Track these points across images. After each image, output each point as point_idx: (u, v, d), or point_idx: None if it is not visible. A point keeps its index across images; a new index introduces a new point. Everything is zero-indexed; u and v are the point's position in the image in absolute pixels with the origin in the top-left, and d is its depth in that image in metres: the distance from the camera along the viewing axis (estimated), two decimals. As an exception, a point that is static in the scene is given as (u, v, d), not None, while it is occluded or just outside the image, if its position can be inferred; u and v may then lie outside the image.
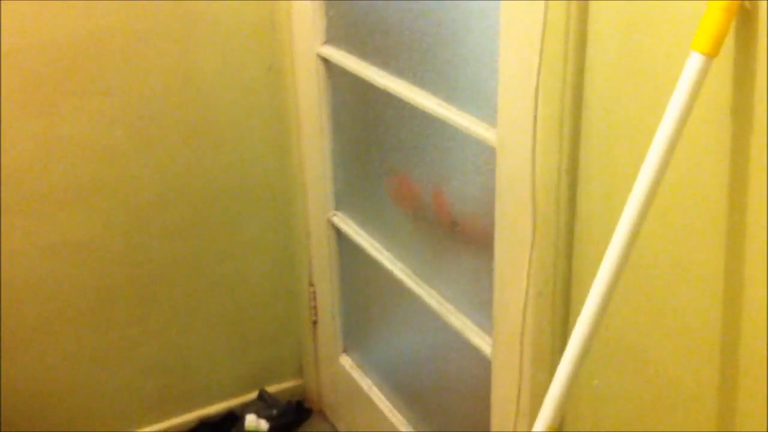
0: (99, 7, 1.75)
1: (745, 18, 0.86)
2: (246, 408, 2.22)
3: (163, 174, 1.94)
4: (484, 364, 1.50)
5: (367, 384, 2.04)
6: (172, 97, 1.89)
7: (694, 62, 0.86)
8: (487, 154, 1.36)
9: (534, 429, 0.98)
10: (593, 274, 1.17)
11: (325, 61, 1.83)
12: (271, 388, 2.27)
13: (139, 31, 1.80)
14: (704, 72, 0.86)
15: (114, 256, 1.95)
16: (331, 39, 1.81)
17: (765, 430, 0.95)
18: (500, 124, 1.27)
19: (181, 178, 1.96)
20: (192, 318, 2.11)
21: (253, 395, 2.26)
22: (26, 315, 1.91)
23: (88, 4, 1.74)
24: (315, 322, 2.21)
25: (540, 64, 1.10)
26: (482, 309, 1.50)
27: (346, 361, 2.13)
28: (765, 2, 0.84)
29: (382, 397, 1.99)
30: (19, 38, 1.70)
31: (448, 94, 1.45)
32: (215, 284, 2.10)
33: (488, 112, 1.33)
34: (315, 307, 2.19)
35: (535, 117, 1.14)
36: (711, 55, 0.85)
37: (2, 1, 1.67)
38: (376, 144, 1.76)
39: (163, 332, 2.08)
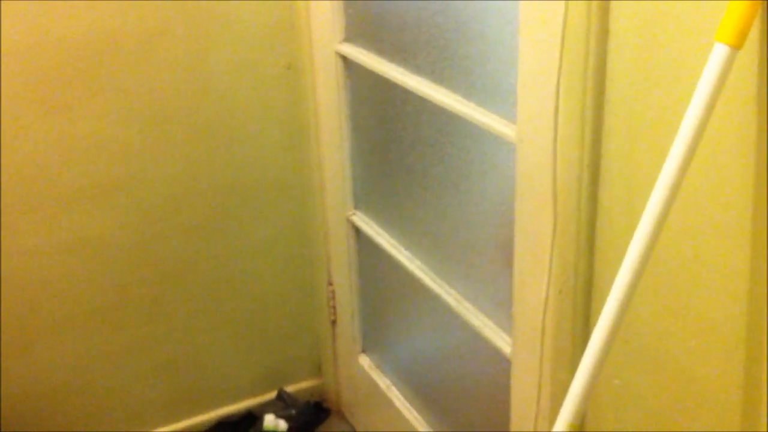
0: (115, 5, 1.75)
1: (771, 8, 0.84)
2: (265, 408, 2.22)
3: (178, 172, 1.94)
4: (503, 364, 1.48)
5: (385, 384, 2.03)
6: (189, 96, 1.89)
7: (718, 54, 0.84)
8: (506, 150, 1.34)
9: (555, 428, 0.97)
10: (615, 271, 1.15)
11: (344, 59, 1.83)
12: (290, 388, 2.27)
13: (155, 28, 1.80)
14: (729, 64, 0.84)
15: (128, 254, 1.95)
16: (350, 37, 1.81)
17: (791, 430, 0.93)
18: (520, 119, 1.26)
19: (197, 176, 1.96)
20: (209, 317, 2.10)
21: (272, 395, 2.26)
22: (39, 313, 1.92)
23: (105, 2, 1.74)
24: (334, 322, 2.21)
25: (561, 58, 1.09)
26: (502, 307, 1.48)
27: (364, 361, 2.12)
28: (792, -8, 0.82)
29: (401, 396, 1.98)
30: (34, 37, 1.71)
31: (468, 91, 1.44)
32: (233, 283, 2.10)
33: (508, 108, 1.32)
34: (334, 306, 2.18)
35: (555, 112, 1.12)
36: (736, 47, 0.83)
37: (18, 0, 1.67)
38: (396, 142, 1.75)
39: (180, 331, 2.08)
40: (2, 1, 1.66)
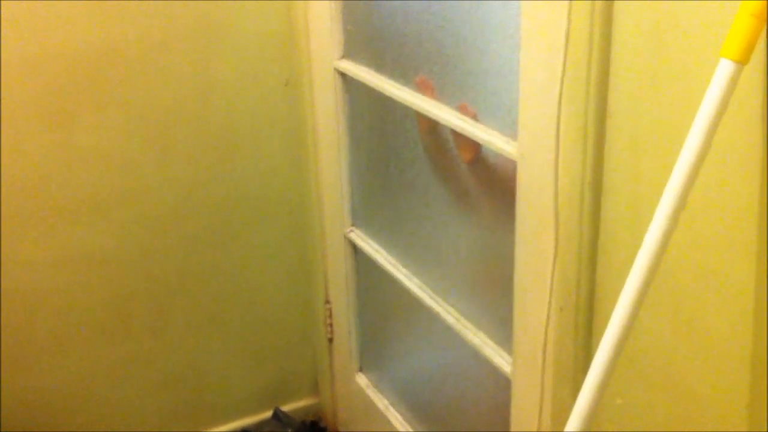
0: (118, 18, 1.75)
1: (776, 24, 0.83)
2: (260, 427, 2.20)
3: (179, 186, 1.93)
4: (503, 382, 1.46)
5: (383, 403, 2.01)
6: (190, 110, 1.88)
7: (724, 70, 0.83)
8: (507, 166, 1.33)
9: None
10: (617, 288, 1.14)
11: (343, 75, 1.82)
12: (286, 407, 2.25)
13: (157, 42, 1.80)
14: (735, 80, 0.83)
15: (129, 268, 1.94)
16: (348, 53, 1.80)
17: (799, 451, 0.91)
18: (521, 136, 1.25)
19: (197, 191, 1.95)
20: (207, 334, 2.09)
21: (268, 414, 2.23)
22: (39, 326, 1.90)
23: (107, 14, 1.74)
24: (331, 340, 2.19)
25: (563, 74, 1.08)
26: (501, 325, 1.47)
27: (362, 380, 2.10)
28: (797, 7, 0.82)
29: (399, 416, 1.96)
30: (36, 48, 1.70)
31: (468, 107, 1.43)
32: (230, 300, 2.08)
33: (509, 124, 1.31)
34: (331, 325, 2.17)
35: (557, 128, 1.11)
36: (742, 63, 0.82)
37: (21, 11, 1.67)
38: (395, 158, 1.74)
39: (177, 347, 2.06)
40: (3, 13, 1.65)
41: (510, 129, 1.31)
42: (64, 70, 1.74)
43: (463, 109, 1.43)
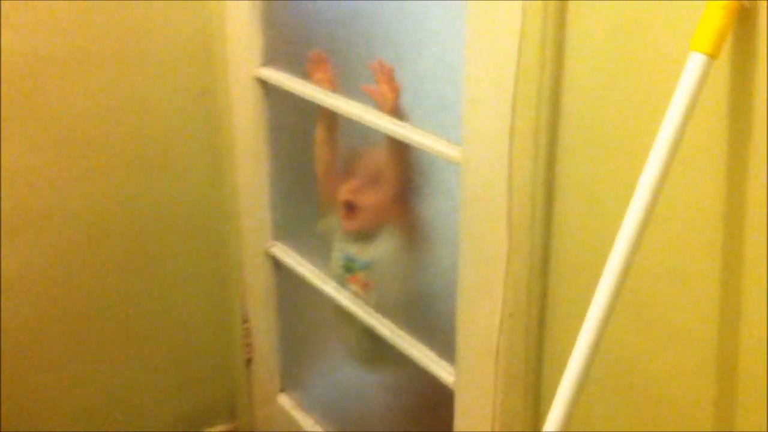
0: (30, 32, 1.64)
1: (743, 18, 0.84)
2: (177, 455, 2.09)
3: (92, 204, 1.81)
4: (444, 395, 1.43)
5: (309, 424, 1.94)
6: (104, 124, 1.78)
7: (695, 64, 0.82)
8: (448, 170, 1.30)
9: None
10: (570, 293, 1.13)
11: (263, 84, 1.75)
12: (204, 433, 2.15)
13: (70, 55, 1.70)
14: (705, 74, 0.82)
15: (38, 292, 1.81)
16: (270, 60, 1.73)
17: (768, 446, 0.91)
18: (465, 139, 1.22)
19: (111, 208, 1.84)
20: (122, 359, 1.97)
21: (185, 441, 2.13)
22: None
23: (18, 28, 1.63)
24: (249, 361, 2.10)
25: (517, 75, 1.06)
26: (441, 335, 1.43)
27: (284, 400, 2.02)
28: (765, 1, 0.82)
29: (327, 436, 1.90)
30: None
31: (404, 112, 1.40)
32: (146, 322, 1.97)
33: (450, 128, 1.28)
34: (249, 344, 2.08)
35: (511, 130, 1.09)
36: (713, 56, 0.82)
37: None
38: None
39: (91, 374, 1.94)
40: None
41: (452, 132, 1.28)
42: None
43: (377, 67, 1.40)
